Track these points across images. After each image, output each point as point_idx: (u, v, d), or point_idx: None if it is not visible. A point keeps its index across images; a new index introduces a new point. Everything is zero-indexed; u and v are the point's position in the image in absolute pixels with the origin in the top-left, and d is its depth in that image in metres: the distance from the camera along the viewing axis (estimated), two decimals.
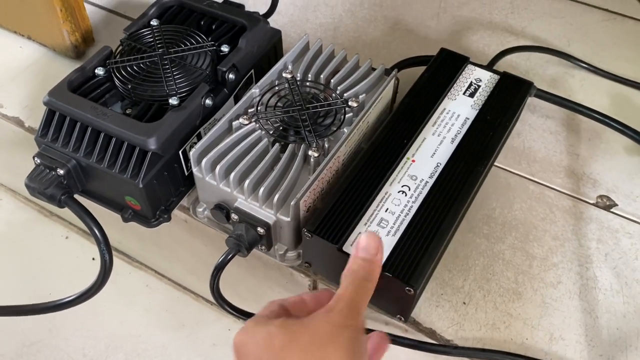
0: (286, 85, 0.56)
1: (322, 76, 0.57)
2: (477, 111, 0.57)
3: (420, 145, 0.54)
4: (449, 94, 0.58)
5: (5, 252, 0.74)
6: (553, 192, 0.59)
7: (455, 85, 0.59)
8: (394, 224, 0.48)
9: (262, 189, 0.48)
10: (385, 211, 0.49)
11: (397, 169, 0.52)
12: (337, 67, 0.59)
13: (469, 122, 0.56)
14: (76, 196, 0.54)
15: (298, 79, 0.57)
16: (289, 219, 0.48)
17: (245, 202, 0.50)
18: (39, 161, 0.52)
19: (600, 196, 0.59)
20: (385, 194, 0.50)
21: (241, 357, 0.36)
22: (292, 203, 0.47)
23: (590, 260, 0.54)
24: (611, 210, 0.58)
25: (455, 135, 0.55)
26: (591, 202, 0.58)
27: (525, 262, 0.54)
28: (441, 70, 0.60)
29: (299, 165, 0.51)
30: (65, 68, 0.68)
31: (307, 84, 0.57)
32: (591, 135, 0.64)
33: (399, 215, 0.49)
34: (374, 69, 0.59)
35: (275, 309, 0.40)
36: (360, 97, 0.55)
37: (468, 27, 0.76)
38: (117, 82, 0.55)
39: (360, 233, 0.47)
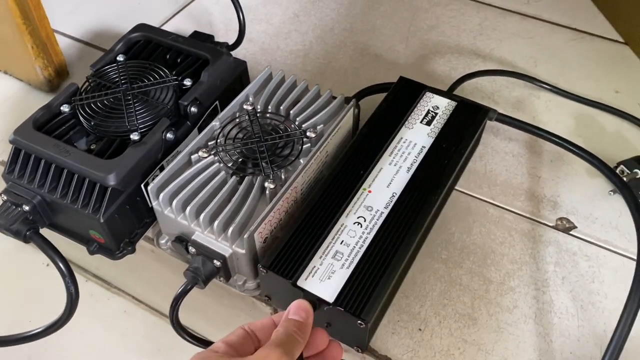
0: (246, 117, 0.57)
1: (282, 107, 0.58)
2: (434, 139, 0.58)
3: (376, 176, 0.55)
4: (406, 122, 0.59)
5: None
6: (512, 215, 0.60)
7: (412, 113, 0.60)
8: (348, 256, 0.49)
9: (217, 222, 0.49)
10: (341, 243, 0.50)
11: (353, 200, 0.53)
12: (298, 98, 0.60)
13: (425, 151, 0.57)
14: (45, 230, 0.56)
15: (259, 110, 0.58)
16: (244, 252, 0.50)
17: (202, 235, 0.51)
18: (5, 198, 0.54)
19: (560, 218, 0.59)
20: (342, 225, 0.51)
21: None
22: (245, 236, 0.49)
23: (547, 284, 0.55)
24: (570, 232, 0.58)
25: (412, 164, 0.56)
26: (551, 224, 0.59)
27: (482, 287, 0.54)
28: (399, 98, 0.61)
29: (256, 197, 0.52)
30: (39, 102, 0.70)
31: (268, 115, 0.58)
32: (553, 157, 0.64)
33: (354, 247, 0.50)
34: (334, 98, 0.60)
35: (220, 345, 0.40)
36: (319, 127, 0.56)
37: (436, 51, 0.77)
38: (81, 118, 0.56)
39: (315, 267, 0.48)
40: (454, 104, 0.61)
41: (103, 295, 0.75)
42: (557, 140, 0.61)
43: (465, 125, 0.59)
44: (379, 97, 0.67)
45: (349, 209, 0.52)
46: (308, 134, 0.56)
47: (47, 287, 0.75)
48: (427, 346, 0.51)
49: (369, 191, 0.54)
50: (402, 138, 0.58)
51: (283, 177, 0.54)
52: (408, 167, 0.55)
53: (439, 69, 0.74)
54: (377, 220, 0.51)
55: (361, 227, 0.51)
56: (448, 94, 0.63)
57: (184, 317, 0.51)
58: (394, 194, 0.53)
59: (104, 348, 0.71)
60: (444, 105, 0.61)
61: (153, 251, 0.60)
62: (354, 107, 0.60)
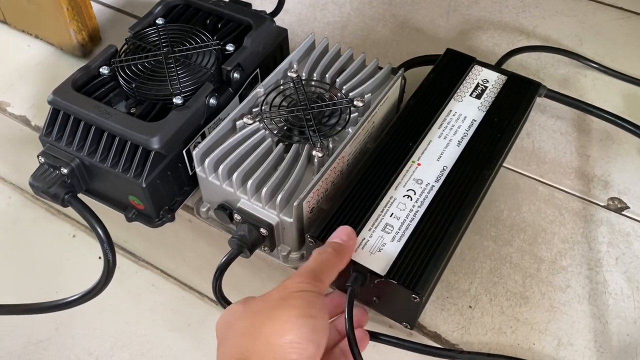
0: (291, 84, 0.55)
1: (327, 75, 0.56)
2: (484, 113, 0.56)
3: (426, 148, 0.53)
4: (455, 95, 0.57)
5: (13, 249, 0.74)
6: (563, 194, 0.58)
7: (461, 86, 0.58)
8: (399, 229, 0.47)
9: (265, 190, 0.48)
10: (390, 216, 0.48)
11: (402, 172, 0.51)
12: (343, 67, 0.58)
13: (475, 124, 0.55)
14: (80, 195, 0.54)
15: (303, 78, 0.56)
16: (291, 220, 0.48)
17: (248, 203, 0.49)
18: (42, 160, 0.52)
19: (612, 198, 0.57)
20: (390, 198, 0.49)
21: (217, 335, 0.39)
22: (295, 204, 0.47)
23: (600, 264, 0.53)
24: (622, 212, 0.56)
25: (462, 138, 0.54)
26: (602, 204, 0.57)
27: (533, 265, 0.53)
28: (447, 71, 0.59)
29: (303, 166, 0.50)
30: (72, 67, 0.68)
31: (313, 83, 0.56)
32: (602, 136, 0.62)
33: (404, 220, 0.48)
34: (380, 68, 0.58)
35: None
36: (366, 96, 0.54)
37: (478, 26, 0.74)
38: (121, 81, 0.54)
39: (364, 239, 0.47)
40: (504, 77, 0.59)
41: (131, 268, 0.73)
42: (610, 117, 0.59)
43: (517, 100, 0.57)
44: (423, 70, 0.65)
45: (398, 181, 0.51)
46: (355, 103, 0.54)
47: (73, 258, 0.74)
48: (478, 324, 0.49)
49: (418, 164, 0.52)
50: (451, 111, 0.56)
51: (330, 146, 0.52)
52: (459, 141, 0.53)
53: (482, 44, 0.72)
54: (428, 193, 0.50)
55: (411, 200, 0.49)
56: (497, 67, 0.60)
57: None
58: (445, 168, 0.51)
59: (132, 321, 0.69)
60: (493, 79, 0.59)
61: (190, 221, 0.58)
62: (401, 77, 0.58)
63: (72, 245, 0.75)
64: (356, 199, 0.49)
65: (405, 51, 0.71)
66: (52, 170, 0.51)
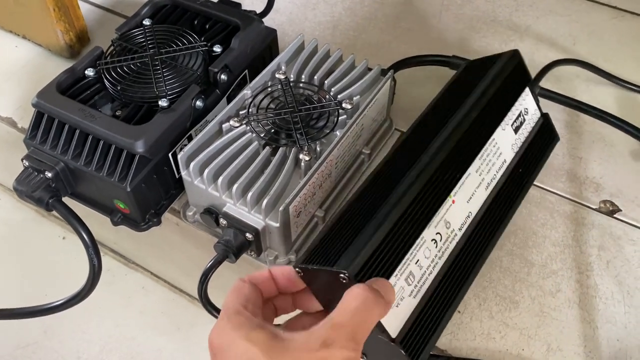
0: (279, 86, 0.55)
1: (316, 77, 0.56)
2: (513, 156, 0.48)
3: (463, 183, 0.44)
4: (505, 118, 0.48)
5: (2, 251, 0.74)
6: (554, 197, 0.57)
7: (513, 109, 0.49)
8: (418, 282, 0.40)
9: (250, 194, 0.47)
10: (416, 263, 0.40)
11: (440, 209, 0.42)
12: (332, 68, 0.57)
13: (504, 167, 0.47)
14: (66, 199, 0.53)
15: (292, 79, 0.55)
16: (277, 225, 0.47)
17: (233, 207, 0.49)
18: (27, 164, 0.51)
19: (604, 201, 0.57)
20: (421, 239, 0.41)
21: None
22: (280, 209, 0.46)
23: (591, 268, 0.52)
24: (614, 215, 0.56)
25: (491, 181, 0.47)
26: (594, 207, 0.56)
27: (524, 269, 0.52)
28: (510, 82, 0.50)
29: (290, 169, 0.50)
30: (59, 68, 0.67)
31: (301, 85, 0.55)
32: (595, 138, 0.62)
33: (425, 271, 0.41)
34: (370, 70, 0.57)
35: (248, 292, 0.35)
36: (355, 98, 0.54)
37: (471, 26, 0.74)
38: (107, 83, 0.54)
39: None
40: (538, 115, 0.52)
41: (121, 271, 0.72)
42: (605, 116, 0.58)
43: (540, 153, 0.51)
44: (414, 71, 0.65)
45: (434, 219, 0.42)
46: (344, 105, 0.53)
47: (62, 261, 0.73)
48: (466, 329, 0.49)
49: (453, 201, 0.43)
50: (494, 139, 0.47)
51: (318, 149, 0.51)
52: (488, 183, 0.46)
53: (475, 44, 0.71)
54: (450, 242, 0.43)
55: (436, 246, 0.42)
56: (536, 98, 0.53)
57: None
58: (470, 214, 0.44)
59: (122, 324, 0.69)
60: (531, 112, 0.51)
61: (178, 224, 0.57)
62: (391, 78, 0.57)
63: (62, 248, 0.74)
64: (399, 232, 0.39)
65: (397, 51, 0.71)
66: (36, 174, 0.51)
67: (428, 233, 0.41)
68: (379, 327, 0.38)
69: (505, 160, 0.47)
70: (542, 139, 0.51)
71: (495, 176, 0.47)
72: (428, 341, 0.40)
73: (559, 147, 0.61)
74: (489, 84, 0.49)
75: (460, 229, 0.44)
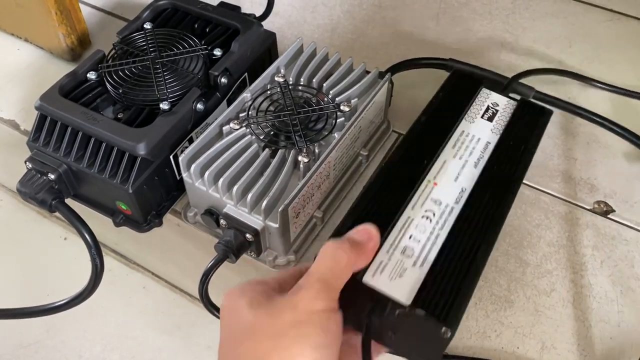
0: (278, 89, 0.55)
1: (314, 80, 0.57)
2: (498, 136, 0.52)
3: (441, 167, 0.49)
4: (466, 116, 0.54)
5: (4, 252, 0.75)
6: (549, 197, 0.58)
7: (472, 107, 0.54)
8: (420, 252, 0.42)
9: (250, 195, 0.48)
10: (409, 238, 0.43)
11: (418, 191, 0.47)
12: (331, 71, 0.58)
13: (491, 147, 0.51)
14: (69, 200, 0.54)
15: (290, 82, 0.56)
16: (277, 226, 0.48)
17: (234, 208, 0.50)
18: (30, 166, 0.52)
19: (598, 202, 0.58)
20: (408, 218, 0.45)
21: (221, 319, 0.35)
22: (279, 210, 0.47)
23: (586, 268, 0.53)
24: (608, 216, 0.57)
25: (478, 160, 0.50)
26: (588, 207, 0.57)
27: (519, 269, 0.53)
28: (456, 90, 0.56)
29: (289, 171, 0.50)
30: (61, 70, 0.68)
31: (300, 88, 0.56)
32: (590, 139, 0.63)
33: (425, 243, 0.43)
34: (367, 72, 0.58)
35: (269, 280, 0.36)
36: (353, 101, 0.55)
37: (468, 29, 0.75)
38: (108, 86, 0.55)
39: (382, 262, 0.41)
40: (514, 102, 0.56)
41: (122, 271, 0.73)
42: (598, 119, 0.59)
43: (530, 126, 0.53)
44: (411, 74, 0.65)
45: (414, 201, 0.46)
46: (342, 107, 0.54)
47: (64, 261, 0.74)
48: (462, 328, 0.50)
49: (435, 184, 0.48)
50: (463, 131, 0.52)
51: (317, 151, 0.52)
52: (475, 162, 0.50)
53: (471, 46, 0.72)
54: (448, 215, 0.45)
55: (431, 222, 0.45)
56: (505, 92, 0.57)
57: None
58: (464, 189, 0.48)
59: (123, 324, 0.69)
60: (503, 103, 0.56)
61: (179, 225, 0.58)
62: (389, 81, 0.58)
63: (64, 248, 0.75)
64: (370, 217, 0.42)
65: (395, 54, 0.71)
66: (39, 175, 0.52)
67: (413, 213, 0.45)
68: (390, 305, 0.38)
69: (488, 142, 0.52)
70: (527, 116, 0.54)
71: (483, 155, 0.51)
72: (453, 303, 0.39)
73: (553, 149, 0.62)
74: (438, 94, 0.56)
75: (457, 202, 0.47)
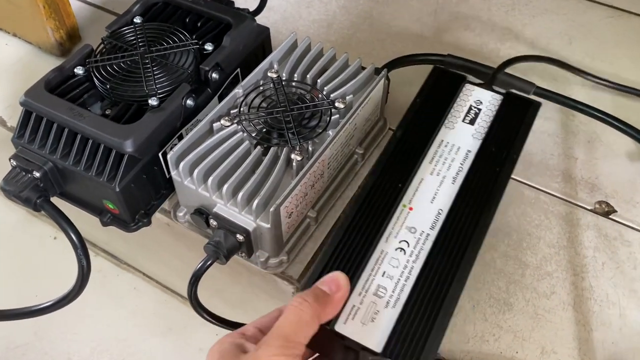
0: (271, 85, 0.54)
1: (308, 76, 0.55)
2: (480, 141, 0.50)
3: (417, 189, 0.47)
4: (446, 122, 0.51)
5: None
6: (549, 197, 0.56)
7: (452, 110, 0.52)
8: (392, 291, 0.41)
9: (241, 194, 0.46)
10: (383, 275, 0.42)
11: (392, 219, 0.45)
12: (325, 67, 0.57)
13: (471, 156, 0.48)
14: (55, 199, 0.53)
15: (284, 78, 0.55)
16: (268, 226, 0.47)
17: (224, 208, 0.48)
18: (15, 163, 0.51)
19: (599, 202, 0.56)
20: (382, 252, 0.43)
21: None
22: (271, 209, 0.46)
23: (586, 270, 0.52)
24: (610, 216, 0.55)
25: (457, 174, 0.48)
26: (589, 208, 0.56)
27: (518, 271, 0.52)
28: (435, 93, 0.53)
29: (281, 169, 0.49)
30: (50, 66, 0.65)
31: (293, 84, 0.55)
32: (590, 138, 0.61)
33: (399, 279, 0.41)
34: (363, 68, 0.57)
35: (249, 328, 0.37)
36: (348, 98, 0.53)
37: (466, 25, 0.73)
38: (96, 81, 0.53)
39: (354, 306, 0.40)
40: (499, 97, 0.53)
41: (112, 271, 0.72)
42: (601, 115, 0.58)
43: (515, 125, 0.51)
44: (408, 70, 0.64)
45: (389, 231, 0.44)
46: (336, 104, 0.52)
47: (53, 261, 0.73)
48: (459, 331, 0.48)
49: (410, 208, 0.45)
50: (442, 141, 0.50)
51: (310, 149, 0.50)
52: (453, 177, 0.47)
53: (470, 43, 0.71)
54: (423, 244, 0.43)
55: (405, 254, 0.43)
56: (490, 86, 0.55)
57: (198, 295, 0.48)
58: (440, 212, 0.45)
59: (113, 325, 0.68)
60: (487, 100, 0.53)
61: (169, 225, 0.57)
62: (385, 77, 0.56)
63: (53, 248, 0.74)
64: (342, 255, 0.42)
65: (391, 50, 0.70)
66: (24, 173, 0.50)
67: (387, 245, 0.43)
68: (361, 354, 0.38)
69: (469, 151, 0.49)
70: (512, 113, 0.52)
71: (462, 167, 0.48)
72: (424, 347, 0.38)
73: (553, 147, 0.60)
74: (415, 100, 0.53)
75: (432, 228, 0.44)
